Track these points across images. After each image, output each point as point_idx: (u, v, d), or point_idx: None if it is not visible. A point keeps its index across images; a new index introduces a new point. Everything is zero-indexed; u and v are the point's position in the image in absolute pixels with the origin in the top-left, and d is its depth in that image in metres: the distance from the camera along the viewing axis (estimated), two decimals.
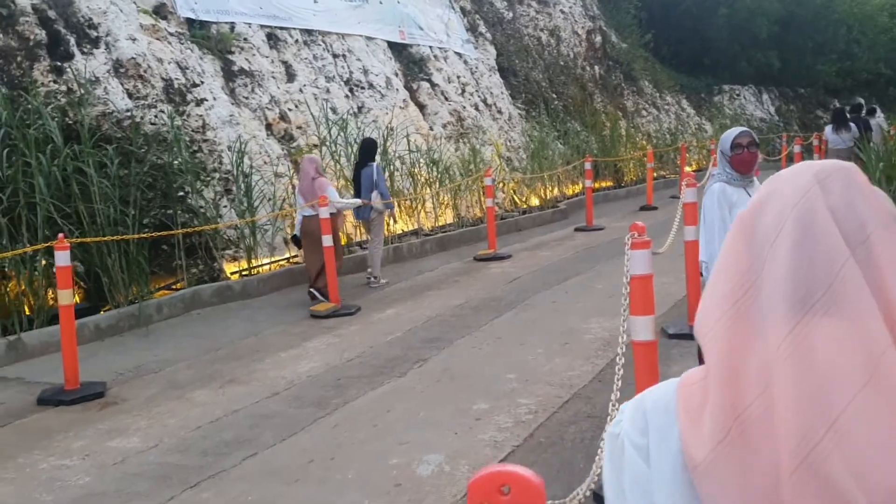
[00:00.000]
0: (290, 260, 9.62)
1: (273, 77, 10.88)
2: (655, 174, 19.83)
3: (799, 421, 0.74)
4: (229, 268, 8.95)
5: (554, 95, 18.83)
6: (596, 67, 22.04)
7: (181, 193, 8.66)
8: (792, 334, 0.78)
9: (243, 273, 8.96)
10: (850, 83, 31.46)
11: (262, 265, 9.21)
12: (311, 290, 8.24)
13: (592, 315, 7.01)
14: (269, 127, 10.48)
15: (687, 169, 20.27)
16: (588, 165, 13.45)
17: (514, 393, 5.12)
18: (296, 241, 8.74)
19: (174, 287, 8.38)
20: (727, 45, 27.63)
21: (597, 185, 17.65)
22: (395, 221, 9.95)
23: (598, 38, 22.69)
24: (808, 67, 30.15)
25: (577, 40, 21.57)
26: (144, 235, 7.55)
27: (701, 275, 4.22)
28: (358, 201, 8.86)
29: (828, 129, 13.75)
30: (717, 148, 4.21)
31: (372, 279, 9.05)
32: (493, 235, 10.74)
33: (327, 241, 7.90)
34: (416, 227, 11.78)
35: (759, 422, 0.77)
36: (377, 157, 9.44)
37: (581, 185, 15.77)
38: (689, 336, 5.69)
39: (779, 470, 0.75)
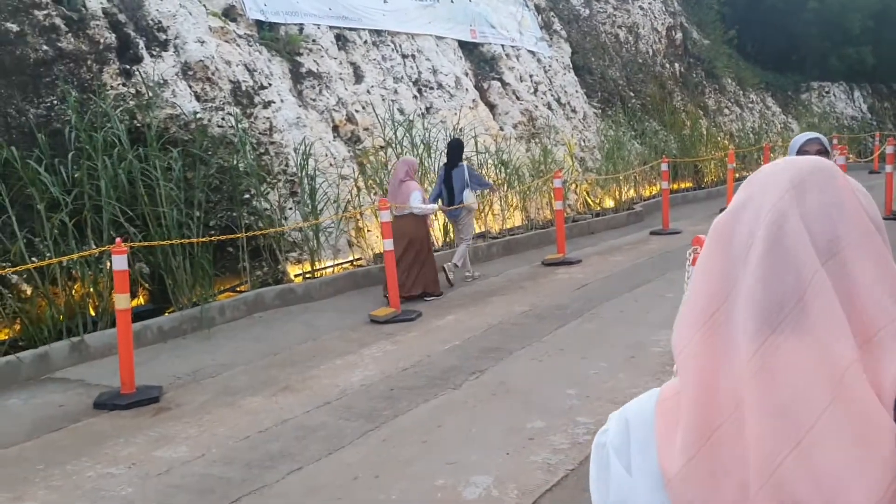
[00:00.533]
0: (354, 263, 9.53)
1: (341, 78, 10.82)
2: (738, 175, 19.08)
3: (765, 440, 0.74)
4: (293, 270, 8.91)
5: (631, 94, 18.33)
6: (676, 65, 21.38)
7: (247, 196, 8.66)
8: (760, 352, 0.77)
9: (306, 276, 8.91)
10: None
11: (325, 268, 9.14)
12: (426, 296, 8.50)
13: (662, 327, 6.66)
14: (335, 129, 10.42)
15: None
16: (664, 166, 12.98)
17: (572, 410, 4.85)
18: None
19: (238, 289, 8.39)
20: (816, 40, 26.47)
21: (675, 187, 17.10)
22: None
23: (679, 35, 22.02)
24: None
25: (657, 37, 20.97)
26: (207, 239, 7.55)
27: None
28: (435, 207, 9.00)
29: None
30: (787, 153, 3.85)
31: (466, 274, 9.48)
32: (562, 239, 10.43)
33: (388, 244, 7.77)
34: (482, 229, 11.55)
35: (731, 440, 0.77)
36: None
37: (659, 186, 15.25)
38: None
39: (746, 488, 0.75)
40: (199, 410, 5.37)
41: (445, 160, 9.50)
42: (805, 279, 0.76)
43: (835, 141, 20.54)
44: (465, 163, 9.41)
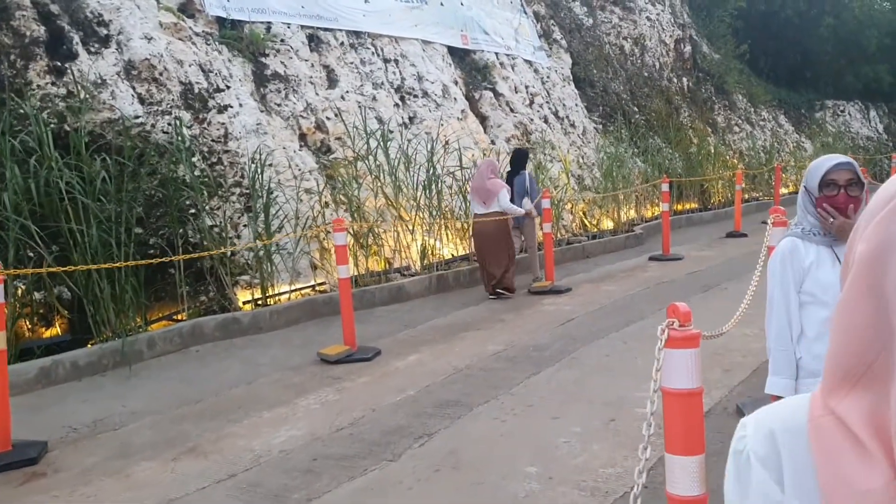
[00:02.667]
0: (316, 288, 8.54)
1: (311, 82, 9.86)
2: (748, 196, 18.08)
3: None
4: (243, 296, 7.93)
5: (635, 108, 17.34)
6: (684, 79, 20.40)
7: (192, 211, 7.71)
8: None
9: (258, 303, 7.93)
10: None
11: (279, 294, 8.14)
12: (496, 290, 8.91)
13: (649, 378, 5.63)
14: (302, 137, 9.46)
15: (783, 191, 18.47)
16: (665, 187, 11.95)
17: (527, 500, 3.84)
18: None
19: (176, 318, 7.42)
20: (832, 57, 25.50)
21: (679, 207, 16.10)
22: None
23: (688, 48, 21.05)
24: None
25: (664, 50, 20.00)
26: (129, 263, 6.56)
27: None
28: (521, 210, 9.19)
29: None
30: (802, 183, 2.79)
31: (534, 280, 9.68)
32: (550, 266, 9.44)
33: (343, 271, 6.79)
34: (466, 252, 10.55)
35: None
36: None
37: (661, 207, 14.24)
38: None
39: None
40: (77, 479, 4.38)
41: (509, 168, 9.90)
42: None
43: None
44: (527, 171, 9.74)
